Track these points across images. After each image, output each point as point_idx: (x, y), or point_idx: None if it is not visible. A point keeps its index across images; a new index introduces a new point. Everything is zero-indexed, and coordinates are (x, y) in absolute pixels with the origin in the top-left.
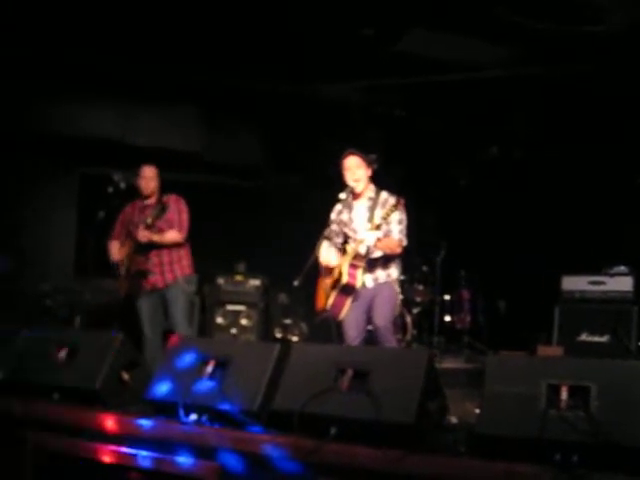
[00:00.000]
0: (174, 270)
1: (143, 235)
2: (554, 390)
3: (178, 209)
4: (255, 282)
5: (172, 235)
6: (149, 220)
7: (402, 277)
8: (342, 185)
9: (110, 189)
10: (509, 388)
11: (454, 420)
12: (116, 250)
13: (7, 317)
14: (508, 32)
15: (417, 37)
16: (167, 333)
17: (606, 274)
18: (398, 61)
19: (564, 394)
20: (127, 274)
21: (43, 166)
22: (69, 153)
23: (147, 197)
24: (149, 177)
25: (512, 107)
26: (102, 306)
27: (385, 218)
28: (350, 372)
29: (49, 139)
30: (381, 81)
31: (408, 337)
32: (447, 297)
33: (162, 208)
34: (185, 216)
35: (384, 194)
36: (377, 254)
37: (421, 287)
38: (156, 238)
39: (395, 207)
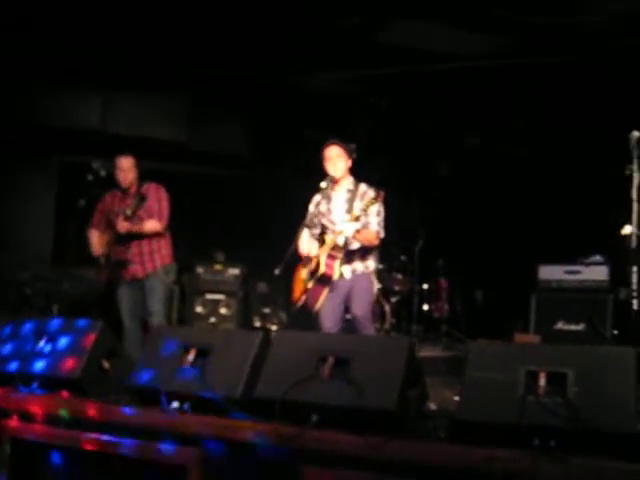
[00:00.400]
0: (154, 260)
1: (122, 226)
2: (532, 376)
3: (158, 198)
4: (234, 271)
5: (152, 225)
6: (128, 211)
7: (381, 266)
8: (323, 175)
9: (90, 177)
10: (488, 375)
11: (433, 407)
12: (96, 239)
13: None
14: (492, 23)
15: (401, 27)
16: (146, 322)
17: (582, 263)
18: (382, 52)
19: (542, 380)
20: (107, 263)
21: (22, 154)
22: (48, 141)
23: (126, 188)
24: (127, 168)
25: (495, 98)
26: (80, 295)
27: (365, 210)
28: (331, 360)
29: (28, 127)
30: (366, 72)
31: (387, 326)
32: (425, 286)
33: (141, 198)
34: (165, 204)
35: (363, 186)
36: (355, 246)
37: (400, 276)
38: (136, 229)
39: (375, 200)
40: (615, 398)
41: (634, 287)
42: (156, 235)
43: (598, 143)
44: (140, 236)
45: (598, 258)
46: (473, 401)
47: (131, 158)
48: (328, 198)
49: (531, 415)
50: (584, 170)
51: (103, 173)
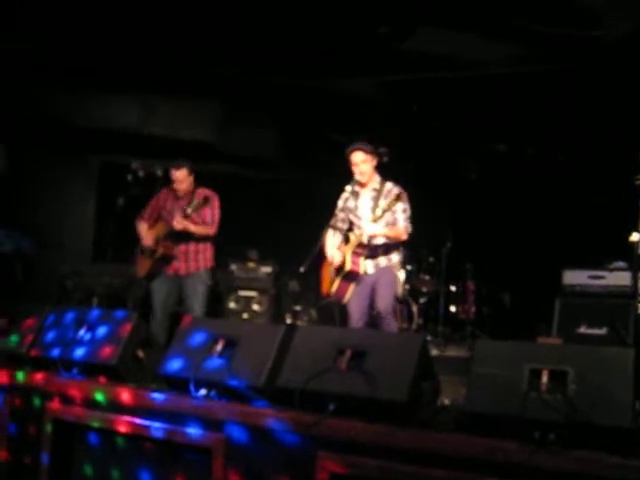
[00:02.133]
0: (198, 260)
1: (179, 222)
2: (535, 374)
3: (212, 205)
4: (266, 269)
5: (205, 229)
6: (189, 210)
7: (409, 267)
8: (350, 177)
9: (129, 177)
10: (495, 370)
11: (446, 401)
12: (145, 231)
13: (27, 297)
14: (518, 33)
15: (429, 35)
16: (176, 316)
17: (606, 269)
18: (411, 58)
19: (544, 378)
20: (152, 256)
21: (64, 154)
22: (89, 142)
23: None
24: (180, 180)
25: (521, 104)
26: (117, 288)
27: (386, 210)
28: (349, 353)
29: (70, 128)
30: (394, 77)
31: (414, 326)
32: (453, 288)
33: (204, 201)
34: (217, 212)
35: (388, 185)
36: (380, 241)
37: (427, 277)
38: (192, 228)
39: (396, 200)
40: (613, 395)
41: None
42: (203, 238)
43: (626, 151)
44: (190, 236)
45: (622, 264)
46: (480, 395)
47: (184, 169)
48: (356, 195)
49: (533, 410)
50: (611, 178)
51: (142, 174)
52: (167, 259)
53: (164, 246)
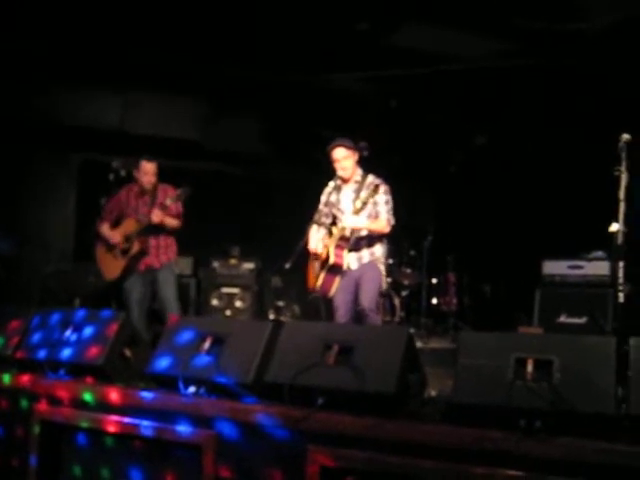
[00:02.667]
0: (168, 253)
1: (157, 215)
2: (521, 363)
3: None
4: (249, 265)
5: (175, 222)
6: (168, 202)
7: (391, 261)
8: (333, 172)
9: (111, 177)
10: (481, 361)
11: (433, 393)
12: (109, 231)
13: (9, 297)
14: (500, 27)
15: (412, 31)
16: (154, 313)
17: (585, 259)
18: (395, 53)
19: (530, 367)
20: (125, 254)
21: (44, 153)
22: (69, 140)
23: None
24: (151, 173)
25: (500, 98)
26: (100, 288)
27: (365, 202)
28: (336, 347)
29: (50, 126)
30: (379, 72)
31: (396, 319)
32: (434, 280)
33: (181, 195)
34: (182, 205)
35: (370, 177)
36: (362, 233)
37: (409, 270)
38: (168, 220)
39: (374, 191)
40: (596, 383)
41: (620, 281)
42: (170, 232)
43: (598, 142)
44: (161, 229)
45: (600, 254)
46: (466, 386)
47: (155, 163)
48: (338, 189)
49: (519, 398)
50: (588, 168)
51: (123, 173)
52: (140, 255)
53: (140, 241)
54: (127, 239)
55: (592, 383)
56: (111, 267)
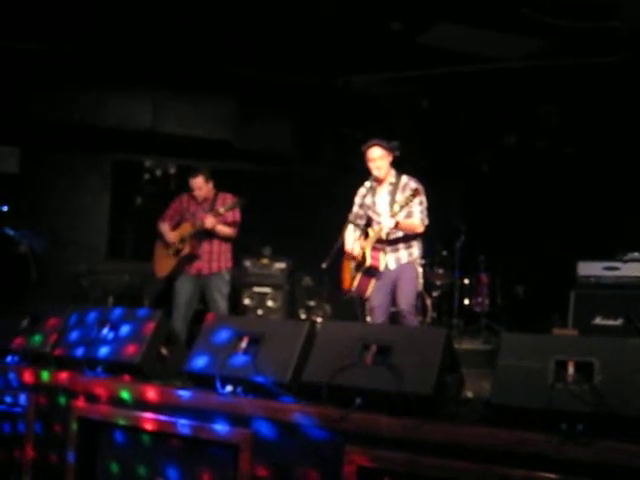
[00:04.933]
0: (220, 260)
1: (210, 221)
2: (562, 365)
3: (236, 208)
4: (280, 265)
5: (229, 230)
6: (222, 210)
7: (423, 261)
8: (366, 173)
9: (147, 176)
10: (521, 363)
11: (470, 395)
12: (168, 231)
13: (42, 296)
14: (529, 26)
15: (441, 31)
16: (198, 314)
17: (620, 260)
18: (422, 54)
19: (570, 369)
20: (177, 255)
21: (77, 154)
22: (102, 141)
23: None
24: (198, 187)
25: (532, 98)
26: (133, 287)
27: (403, 206)
28: (374, 348)
29: (83, 126)
30: (407, 73)
31: (428, 319)
32: (466, 281)
33: (236, 203)
34: (239, 215)
35: (404, 178)
36: (399, 234)
37: (441, 271)
38: (220, 228)
39: (413, 196)
40: (638, 386)
41: None
42: (225, 240)
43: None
44: (214, 236)
45: (636, 255)
46: (506, 387)
47: (199, 176)
48: (373, 191)
49: (560, 401)
50: (625, 168)
51: (158, 172)
52: (191, 258)
53: (191, 245)
54: (181, 240)
55: (634, 385)
56: (163, 265)
